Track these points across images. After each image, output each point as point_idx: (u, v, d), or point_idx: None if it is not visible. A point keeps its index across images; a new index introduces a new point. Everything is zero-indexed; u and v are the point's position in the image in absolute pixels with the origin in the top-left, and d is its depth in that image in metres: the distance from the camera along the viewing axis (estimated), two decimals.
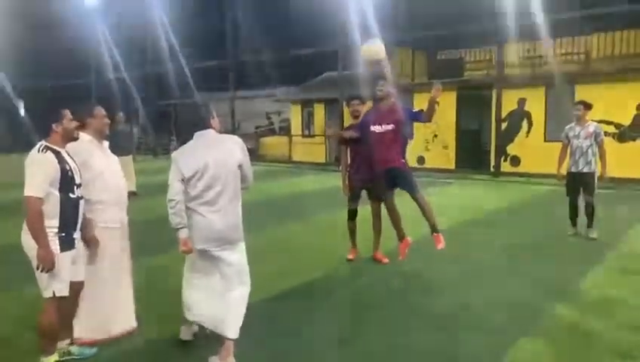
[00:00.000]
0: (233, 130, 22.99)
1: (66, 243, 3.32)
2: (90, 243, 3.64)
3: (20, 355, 3.72)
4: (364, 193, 6.09)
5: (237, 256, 3.62)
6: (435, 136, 17.09)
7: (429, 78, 18.00)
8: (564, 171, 7.30)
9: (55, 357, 3.43)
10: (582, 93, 12.60)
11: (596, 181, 7.02)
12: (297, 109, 22.12)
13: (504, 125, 15.59)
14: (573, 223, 7.30)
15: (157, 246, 6.24)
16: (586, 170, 6.98)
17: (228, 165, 3.50)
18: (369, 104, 6.16)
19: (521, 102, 15.38)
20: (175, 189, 3.45)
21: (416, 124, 15.30)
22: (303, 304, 4.83)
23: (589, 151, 6.95)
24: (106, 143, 3.96)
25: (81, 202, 3.44)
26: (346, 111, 6.18)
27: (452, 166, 16.72)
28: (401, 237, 5.74)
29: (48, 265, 3.19)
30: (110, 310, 3.85)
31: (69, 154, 3.43)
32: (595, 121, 7.32)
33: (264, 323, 4.27)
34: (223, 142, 3.60)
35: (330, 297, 5.00)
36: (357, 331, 4.16)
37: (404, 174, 5.58)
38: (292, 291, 5.15)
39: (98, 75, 28.45)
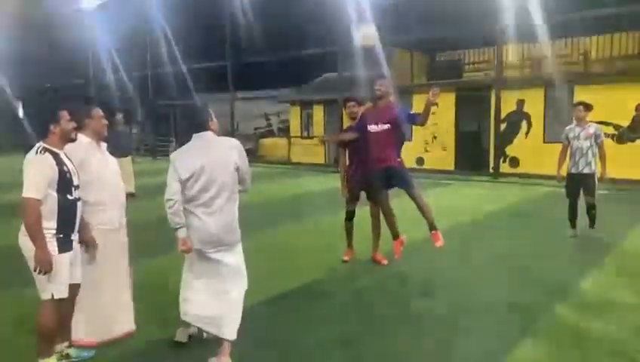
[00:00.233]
0: (232, 131, 23.00)
1: (64, 245, 3.31)
2: (88, 244, 3.63)
3: (19, 357, 3.70)
4: (363, 195, 6.08)
5: (233, 258, 3.63)
6: (435, 137, 17.09)
7: (428, 80, 18.02)
8: (564, 172, 7.29)
9: (53, 359, 3.42)
10: (581, 94, 12.60)
11: (597, 182, 7.02)
12: (296, 110, 22.12)
13: (503, 126, 15.60)
14: (573, 224, 7.29)
15: (156, 248, 6.22)
16: (586, 171, 6.98)
17: (225, 168, 3.51)
18: (368, 105, 6.17)
19: (520, 103, 15.38)
20: (173, 189, 3.47)
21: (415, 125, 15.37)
22: (302, 305, 4.82)
23: (589, 152, 6.95)
24: (104, 145, 3.95)
25: (79, 204, 3.43)
26: (345, 112, 6.20)
27: (451, 167, 16.72)
28: (395, 236, 5.77)
29: (46, 266, 3.18)
30: (109, 312, 3.83)
31: (67, 156, 3.42)
32: (594, 122, 7.32)
33: (263, 325, 4.26)
34: (220, 145, 3.59)
35: (329, 299, 4.99)
36: (356, 333, 4.15)
37: (400, 173, 5.60)
38: (291, 292, 5.14)
39: (97, 76, 28.43)
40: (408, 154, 16.50)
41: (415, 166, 16.88)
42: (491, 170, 15.58)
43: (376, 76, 5.92)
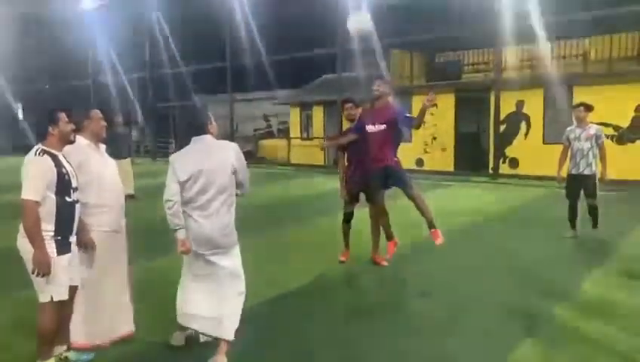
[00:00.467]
0: (232, 133, 23.00)
1: (63, 247, 3.30)
2: (87, 246, 3.62)
3: (18, 360, 3.69)
4: (363, 196, 6.08)
5: (230, 262, 3.65)
6: (434, 138, 17.09)
7: (427, 81, 18.02)
8: (564, 173, 7.28)
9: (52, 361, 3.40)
10: (580, 95, 12.59)
11: (597, 183, 7.02)
12: (296, 112, 22.13)
13: (503, 127, 15.60)
14: (573, 225, 7.29)
15: (155, 249, 6.21)
16: (587, 172, 6.97)
17: (222, 171, 3.52)
18: (366, 106, 6.19)
19: (520, 104, 15.39)
20: (172, 190, 3.50)
21: None
22: (301, 307, 4.81)
23: (590, 153, 6.94)
24: (103, 146, 3.94)
25: (77, 206, 3.41)
26: (343, 114, 6.22)
27: (451, 168, 16.72)
28: (390, 237, 5.79)
29: (44, 268, 3.17)
30: (108, 314, 3.82)
31: (65, 158, 3.42)
32: (594, 123, 7.32)
33: (262, 326, 4.25)
34: (218, 149, 3.62)
35: (329, 300, 4.98)
36: (356, 334, 4.14)
37: (398, 173, 5.64)
38: (290, 294, 5.13)
39: (96, 78, 28.44)
40: (408, 156, 16.59)
41: (415, 167, 16.88)
42: (491, 171, 15.58)
43: (375, 77, 5.97)
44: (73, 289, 3.48)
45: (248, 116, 27.28)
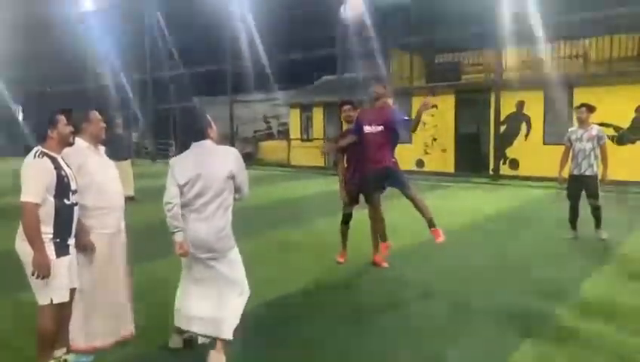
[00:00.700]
0: (232, 134, 23.00)
1: (61, 249, 3.29)
2: (86, 249, 3.61)
3: None
4: (362, 198, 6.07)
5: (228, 264, 3.67)
6: (434, 139, 17.09)
7: (427, 82, 18.02)
8: (565, 174, 7.27)
9: None
10: (580, 96, 12.59)
11: (599, 184, 7.01)
12: (296, 113, 22.12)
13: (503, 128, 15.60)
14: (573, 226, 7.28)
15: (156, 251, 6.19)
16: (588, 172, 6.96)
17: (220, 176, 3.55)
18: (365, 107, 6.21)
19: (520, 105, 15.39)
20: (171, 193, 3.54)
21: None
22: (300, 308, 4.80)
23: (592, 154, 6.94)
24: (103, 148, 3.93)
25: (76, 208, 3.40)
26: (341, 116, 6.23)
27: (451, 169, 16.72)
28: (383, 239, 5.82)
29: (44, 271, 3.16)
30: (108, 316, 3.81)
31: (64, 160, 3.41)
32: (596, 124, 7.31)
33: (261, 328, 4.25)
34: (217, 154, 3.64)
35: (328, 301, 4.97)
36: (355, 336, 4.13)
37: (395, 173, 5.65)
38: (290, 295, 5.12)
39: (97, 80, 28.45)
40: (408, 157, 16.64)
41: (415, 168, 16.89)
42: (491, 172, 15.58)
43: (374, 78, 6.00)
44: (72, 292, 3.47)
45: (248, 118, 27.30)
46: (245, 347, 3.71)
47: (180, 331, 3.84)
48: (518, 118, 15.43)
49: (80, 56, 27.76)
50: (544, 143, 14.76)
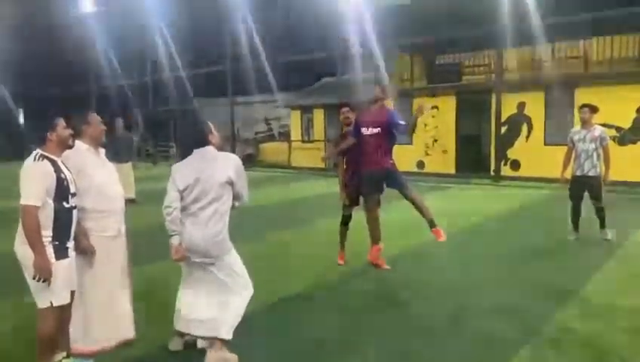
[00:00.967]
0: (233, 136, 23.00)
1: (60, 252, 3.27)
2: (86, 252, 3.60)
3: None
4: (362, 200, 6.07)
5: (225, 267, 3.69)
6: (435, 140, 17.08)
7: (428, 83, 18.01)
8: (568, 175, 7.25)
9: None
10: (581, 96, 12.57)
11: (602, 184, 6.98)
12: (297, 115, 22.12)
13: (504, 129, 15.58)
14: (575, 227, 7.26)
15: (156, 254, 6.17)
16: (591, 173, 6.94)
17: (217, 181, 3.59)
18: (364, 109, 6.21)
19: (521, 106, 15.37)
20: (171, 198, 3.60)
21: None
22: (301, 309, 4.80)
23: (595, 154, 6.92)
24: (103, 151, 3.92)
25: (75, 212, 3.39)
26: (340, 118, 6.25)
27: (452, 170, 16.70)
28: (376, 241, 5.78)
29: (46, 274, 3.15)
30: (108, 319, 3.78)
31: (64, 163, 3.40)
32: (598, 125, 7.28)
33: (261, 328, 4.26)
34: (218, 160, 3.69)
35: (329, 302, 4.97)
36: (356, 337, 4.12)
37: (394, 174, 5.65)
38: (290, 296, 5.12)
39: (98, 83, 28.48)
40: (409, 158, 16.63)
41: (416, 169, 16.87)
42: (492, 173, 15.56)
43: (374, 80, 6.03)
44: (71, 294, 3.46)
45: (249, 119, 27.31)
46: (246, 347, 3.71)
47: (181, 333, 3.85)
48: (519, 118, 15.41)
49: (80, 58, 27.78)
50: (545, 144, 14.74)
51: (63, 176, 3.30)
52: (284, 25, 20.82)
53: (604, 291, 5.10)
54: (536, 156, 14.64)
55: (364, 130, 5.65)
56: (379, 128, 5.60)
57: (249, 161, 21.72)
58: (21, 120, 29.29)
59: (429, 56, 18.98)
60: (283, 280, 5.65)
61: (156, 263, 6.06)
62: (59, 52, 27.02)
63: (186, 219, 3.61)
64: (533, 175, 14.29)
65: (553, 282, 5.39)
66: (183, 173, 3.62)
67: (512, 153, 15.58)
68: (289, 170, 20.38)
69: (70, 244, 3.38)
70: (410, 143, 16.56)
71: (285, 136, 24.47)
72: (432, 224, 5.56)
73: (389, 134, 5.68)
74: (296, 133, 22.06)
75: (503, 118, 15.49)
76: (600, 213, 7.06)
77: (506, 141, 15.57)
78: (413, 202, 5.59)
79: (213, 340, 3.62)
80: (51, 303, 3.26)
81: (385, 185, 5.82)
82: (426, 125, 16.97)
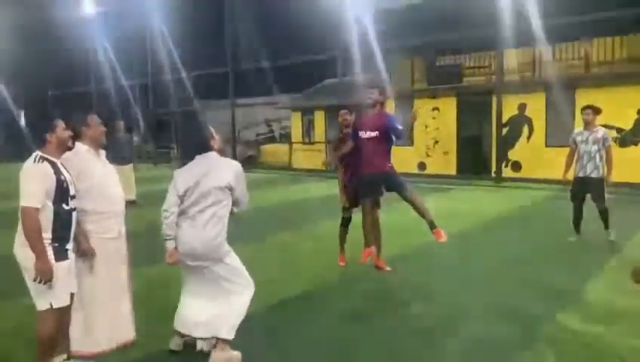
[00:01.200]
0: (234, 138, 23.01)
1: (60, 254, 3.27)
2: (86, 254, 3.60)
3: None
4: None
5: (223, 269, 3.70)
6: (436, 142, 17.07)
7: (428, 84, 18.01)
8: (570, 176, 7.23)
9: None
10: (582, 98, 12.57)
11: (605, 186, 6.96)
12: (298, 116, 22.14)
13: (505, 131, 15.57)
14: (577, 229, 7.24)
15: (156, 256, 6.14)
16: (594, 175, 6.92)
17: (216, 186, 3.62)
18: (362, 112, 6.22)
19: (522, 107, 15.37)
20: (170, 202, 3.64)
21: (416, 127, 15.34)
22: (301, 309, 4.80)
23: (597, 156, 6.90)
24: (103, 152, 3.92)
25: (74, 214, 3.39)
26: (339, 120, 6.26)
27: (453, 172, 16.70)
28: (369, 244, 5.74)
29: (47, 275, 3.15)
30: (108, 321, 3.79)
31: (64, 165, 3.40)
32: (600, 126, 7.27)
33: (262, 329, 4.25)
34: (219, 165, 3.72)
35: (329, 303, 4.96)
36: (355, 336, 4.12)
37: (392, 177, 5.64)
38: (290, 297, 5.12)
39: (98, 85, 28.50)
40: (410, 159, 16.62)
41: (417, 171, 16.86)
42: (493, 175, 15.54)
43: (370, 84, 6.04)
44: (71, 296, 3.46)
45: (250, 121, 27.34)
46: (246, 348, 3.70)
47: (181, 334, 3.86)
48: (520, 120, 15.40)
49: (81, 60, 27.82)
50: (546, 145, 14.74)
51: (62, 177, 3.30)
52: (285, 26, 20.83)
53: (605, 292, 5.09)
54: (537, 157, 14.63)
55: (362, 134, 5.63)
56: (377, 132, 5.57)
57: (250, 163, 21.72)
58: (22, 121, 29.29)
59: (429, 58, 19.00)
60: (283, 280, 5.65)
61: (156, 265, 6.03)
62: (60, 53, 27.06)
63: (184, 222, 3.63)
64: (534, 176, 14.28)
65: (554, 283, 5.38)
66: (184, 176, 3.65)
67: (513, 154, 15.57)
68: (290, 172, 20.37)
69: (70, 246, 3.38)
70: (411, 145, 16.57)
71: (286, 137, 24.49)
72: (432, 225, 5.55)
73: (387, 138, 5.66)
74: (297, 135, 22.07)
75: (504, 120, 15.48)
76: (603, 214, 7.02)
77: (507, 142, 15.56)
78: (412, 204, 5.57)
79: (215, 340, 3.62)
80: (51, 305, 3.25)
81: (385, 189, 5.81)
82: (426, 127, 16.97)
